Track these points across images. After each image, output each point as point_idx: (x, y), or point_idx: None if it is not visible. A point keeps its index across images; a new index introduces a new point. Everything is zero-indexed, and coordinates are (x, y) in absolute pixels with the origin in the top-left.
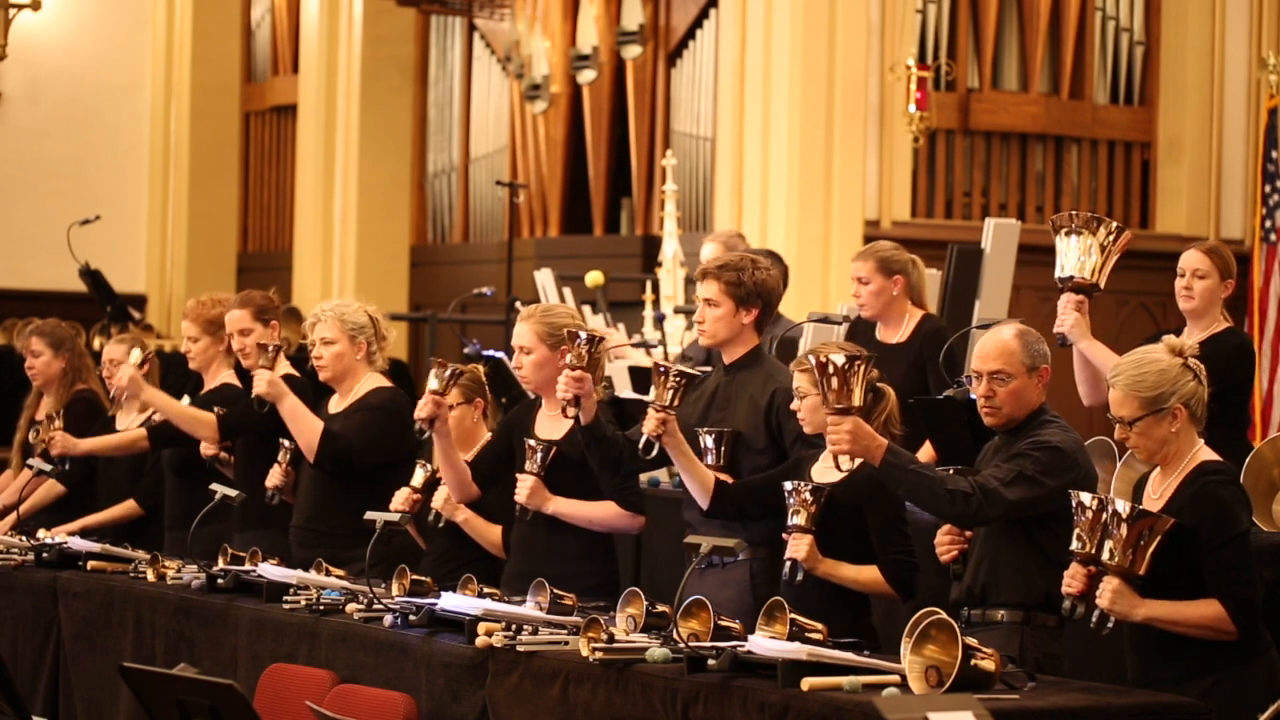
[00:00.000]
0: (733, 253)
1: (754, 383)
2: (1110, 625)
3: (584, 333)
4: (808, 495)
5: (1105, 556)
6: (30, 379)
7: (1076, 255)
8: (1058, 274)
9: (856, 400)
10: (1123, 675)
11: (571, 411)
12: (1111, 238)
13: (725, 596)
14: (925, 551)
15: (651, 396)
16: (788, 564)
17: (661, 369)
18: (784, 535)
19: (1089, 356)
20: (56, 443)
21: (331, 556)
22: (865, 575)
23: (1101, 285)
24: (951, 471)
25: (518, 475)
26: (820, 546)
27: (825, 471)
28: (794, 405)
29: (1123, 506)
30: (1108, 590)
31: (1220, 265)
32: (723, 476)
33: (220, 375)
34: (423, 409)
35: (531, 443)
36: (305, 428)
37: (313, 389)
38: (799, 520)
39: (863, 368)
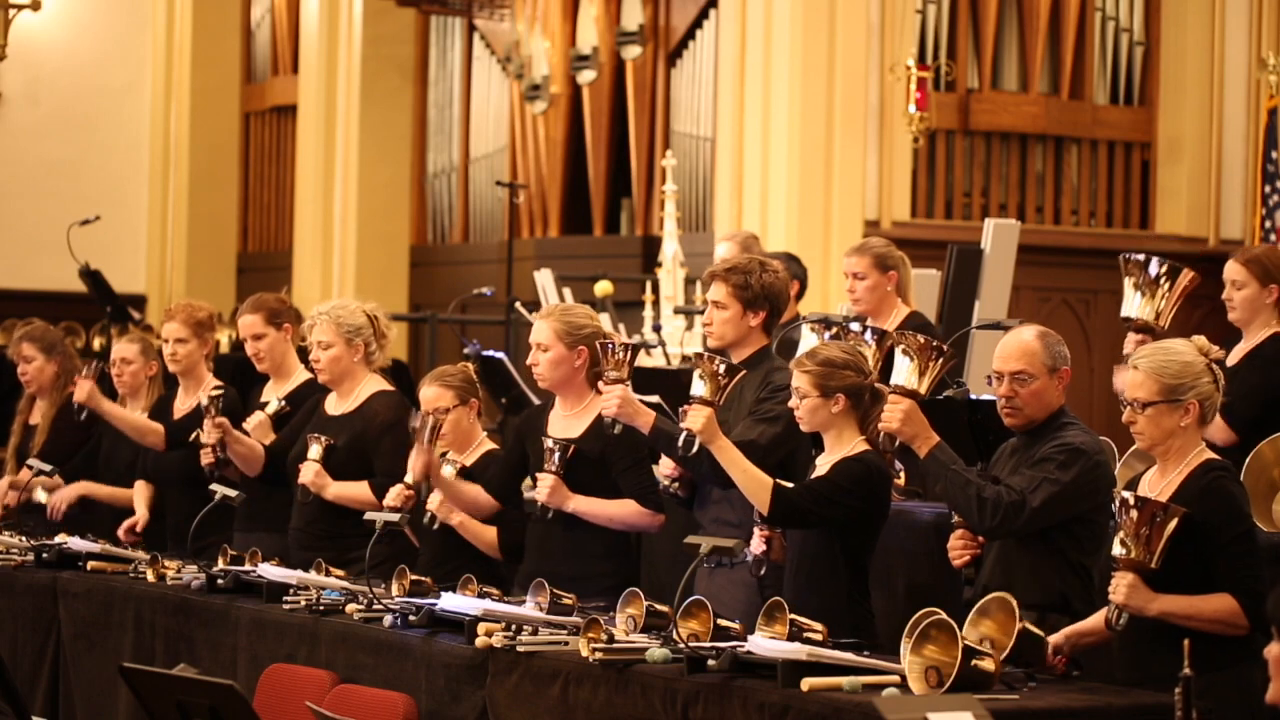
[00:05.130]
0: (742, 256)
1: (753, 383)
2: (1124, 620)
3: (616, 342)
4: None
5: (1118, 551)
6: (24, 385)
7: (1141, 299)
8: (1123, 312)
9: (923, 388)
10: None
11: (619, 429)
12: (1183, 283)
13: (734, 597)
14: (926, 551)
15: (609, 374)
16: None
17: (608, 345)
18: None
19: None
20: (82, 389)
21: (333, 558)
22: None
23: (1166, 326)
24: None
25: (537, 475)
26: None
27: None
28: (792, 403)
29: (1133, 498)
30: (1122, 585)
31: (1259, 272)
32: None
33: (206, 380)
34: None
35: (549, 443)
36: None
37: (242, 381)
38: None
39: (941, 361)
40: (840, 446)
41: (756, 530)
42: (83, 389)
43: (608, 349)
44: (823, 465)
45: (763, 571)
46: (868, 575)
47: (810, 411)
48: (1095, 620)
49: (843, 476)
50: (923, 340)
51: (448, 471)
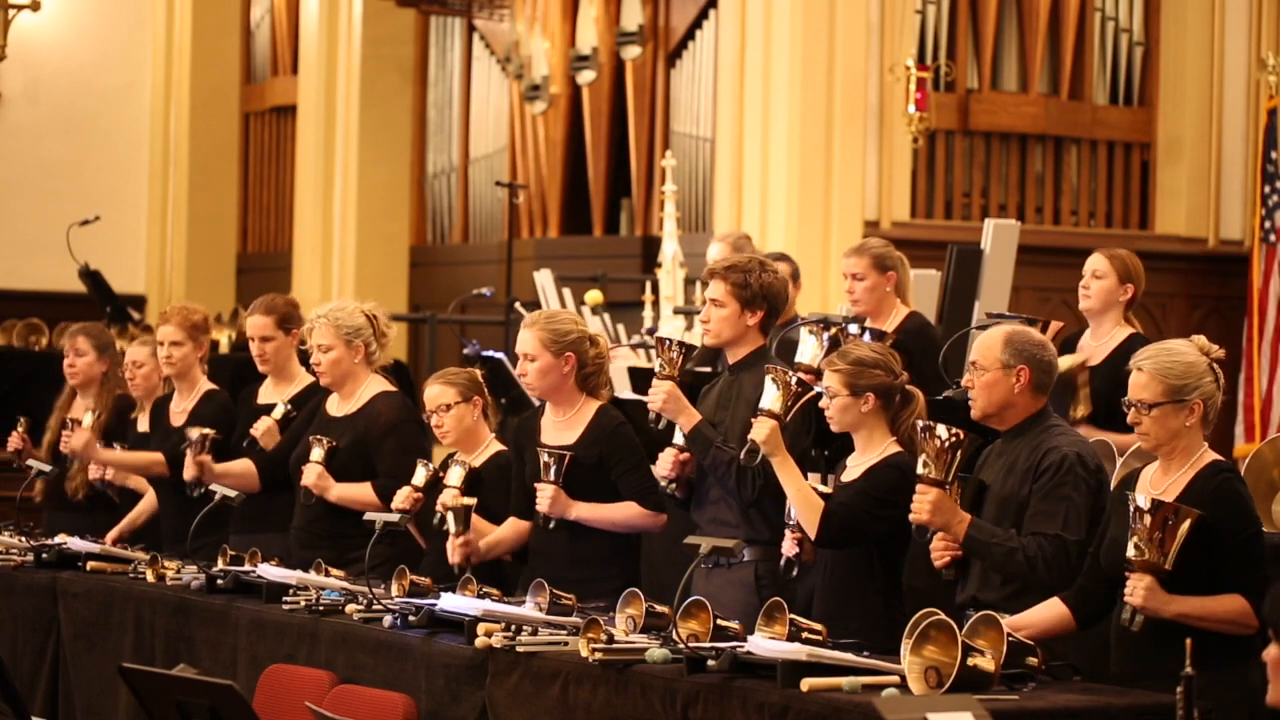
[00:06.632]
0: (741, 254)
1: (752, 383)
2: (1139, 621)
3: (673, 339)
4: None
5: (1131, 553)
6: (68, 377)
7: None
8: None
9: (948, 476)
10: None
11: (663, 424)
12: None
13: (731, 597)
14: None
15: (656, 367)
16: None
17: (664, 341)
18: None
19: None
20: (77, 445)
21: (334, 558)
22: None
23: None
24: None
25: (536, 485)
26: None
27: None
28: (823, 403)
29: (1148, 501)
30: (1140, 587)
31: (1120, 269)
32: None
33: (200, 383)
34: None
35: (545, 455)
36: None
37: (240, 384)
38: None
39: (962, 451)
40: (871, 448)
41: (788, 532)
42: (79, 439)
43: (664, 344)
44: (854, 467)
45: (794, 574)
46: (901, 579)
47: (840, 410)
48: (1034, 615)
49: (879, 488)
50: (941, 441)
51: (457, 472)
